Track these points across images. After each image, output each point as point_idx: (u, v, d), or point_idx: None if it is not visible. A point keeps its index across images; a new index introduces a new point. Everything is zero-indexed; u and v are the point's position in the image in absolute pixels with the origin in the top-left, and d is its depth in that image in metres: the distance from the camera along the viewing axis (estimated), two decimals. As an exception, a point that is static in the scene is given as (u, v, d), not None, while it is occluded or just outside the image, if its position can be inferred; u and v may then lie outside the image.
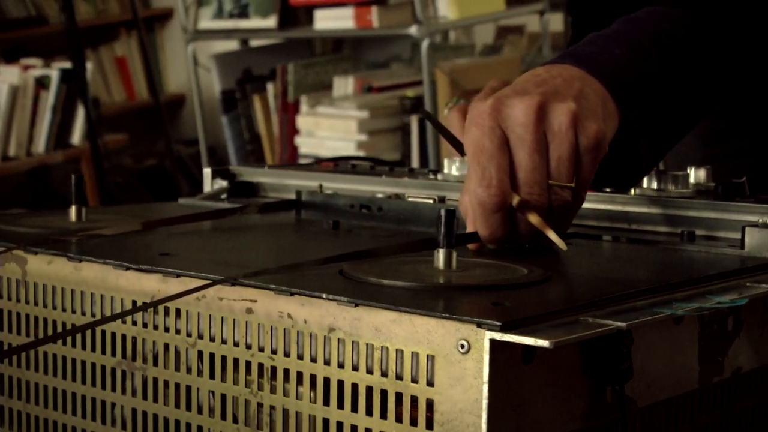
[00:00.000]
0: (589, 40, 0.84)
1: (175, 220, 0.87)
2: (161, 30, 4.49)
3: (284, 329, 0.66)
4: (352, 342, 0.63)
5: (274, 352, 0.66)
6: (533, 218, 0.74)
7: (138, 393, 0.73)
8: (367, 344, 0.62)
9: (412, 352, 0.60)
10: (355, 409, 0.63)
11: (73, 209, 0.88)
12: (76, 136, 3.71)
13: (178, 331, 0.71)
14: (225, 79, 3.52)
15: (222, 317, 0.68)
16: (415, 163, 3.03)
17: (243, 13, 3.31)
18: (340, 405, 0.63)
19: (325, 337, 0.64)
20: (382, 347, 0.62)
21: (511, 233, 0.77)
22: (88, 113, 2.92)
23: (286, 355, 0.65)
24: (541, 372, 0.59)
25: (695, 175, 0.91)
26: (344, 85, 3.27)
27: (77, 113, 3.64)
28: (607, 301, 0.63)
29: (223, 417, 0.69)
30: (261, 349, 0.67)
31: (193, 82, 3.53)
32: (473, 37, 3.79)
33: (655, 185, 0.88)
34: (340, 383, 0.63)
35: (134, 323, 0.73)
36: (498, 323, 0.56)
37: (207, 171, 1.09)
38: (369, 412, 0.62)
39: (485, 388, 0.57)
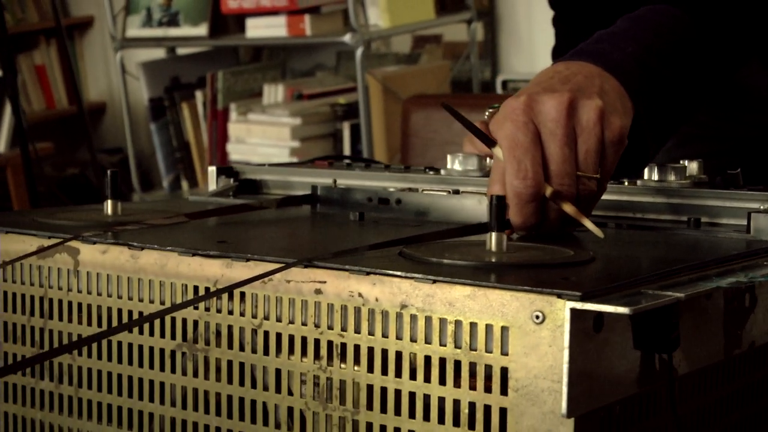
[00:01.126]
0: (599, 38, 0.91)
1: (216, 211, 0.91)
2: (80, 38, 4.47)
3: (355, 308, 0.70)
4: (425, 317, 0.68)
5: (344, 329, 0.71)
6: (568, 208, 0.80)
7: (199, 374, 0.77)
8: (440, 319, 0.67)
9: (486, 325, 0.66)
10: (427, 379, 0.68)
11: (109, 203, 0.92)
12: (1, 144, 3.68)
13: (242, 314, 0.75)
14: (153, 87, 3.53)
15: (290, 299, 0.73)
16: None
17: (173, 22, 3.33)
18: (413, 377, 0.68)
19: (397, 313, 0.69)
20: (455, 321, 0.67)
21: (542, 222, 0.83)
22: (19, 120, 2.91)
23: (357, 332, 0.70)
24: (606, 341, 0.65)
25: (689, 167, 0.97)
26: (274, 92, 3.31)
27: (2, 120, 3.61)
28: (657, 277, 0.69)
29: (290, 393, 0.73)
30: (330, 328, 0.71)
31: (121, 90, 3.53)
32: (391, 46, 3.86)
33: (656, 176, 0.95)
34: (413, 356, 0.68)
35: (195, 307, 0.77)
36: (578, 293, 0.62)
37: (212, 169, 1.13)
38: (442, 382, 0.67)
39: (566, 353, 0.62)
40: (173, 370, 0.78)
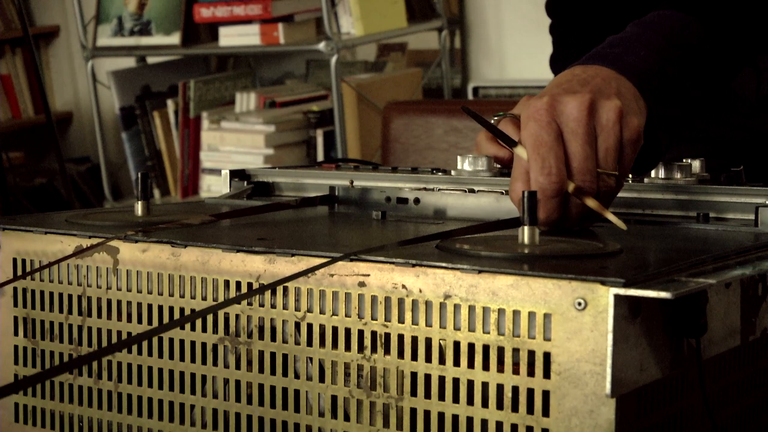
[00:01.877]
0: (611, 43, 0.95)
1: (247, 211, 0.94)
2: (46, 48, 4.47)
3: (398, 299, 0.73)
4: (469, 306, 0.71)
5: (387, 320, 0.74)
6: (591, 203, 0.84)
7: (242, 366, 0.80)
8: (483, 308, 0.71)
9: (529, 312, 0.69)
10: (471, 365, 0.71)
11: (139, 204, 0.94)
12: (-29, 155, 3.67)
13: (285, 307, 0.78)
14: (123, 96, 3.54)
15: (333, 292, 0.76)
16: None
17: (145, 31, 3.34)
18: (456, 363, 0.72)
19: (440, 303, 0.72)
20: (498, 309, 0.70)
21: (563, 217, 0.86)
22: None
23: (401, 322, 0.73)
24: (642, 326, 0.69)
25: (693, 165, 1.02)
26: (246, 100, 3.33)
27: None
28: (686, 266, 0.73)
29: (334, 382, 0.76)
30: (374, 319, 0.74)
31: (90, 99, 3.54)
32: (356, 54, 3.89)
33: (662, 174, 0.99)
34: (456, 344, 0.72)
35: (238, 302, 0.80)
36: (622, 280, 0.65)
37: (225, 172, 1.16)
38: (485, 368, 0.71)
39: (610, 337, 0.66)
40: (215, 363, 0.81)
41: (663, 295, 0.64)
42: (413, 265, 0.72)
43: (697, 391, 0.76)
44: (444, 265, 0.71)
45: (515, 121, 1.00)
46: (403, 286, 0.73)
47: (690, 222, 0.94)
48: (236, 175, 1.15)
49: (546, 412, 0.69)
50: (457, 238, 0.80)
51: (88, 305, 0.87)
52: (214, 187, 3.30)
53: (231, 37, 3.12)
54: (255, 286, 0.79)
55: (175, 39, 3.28)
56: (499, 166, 1.04)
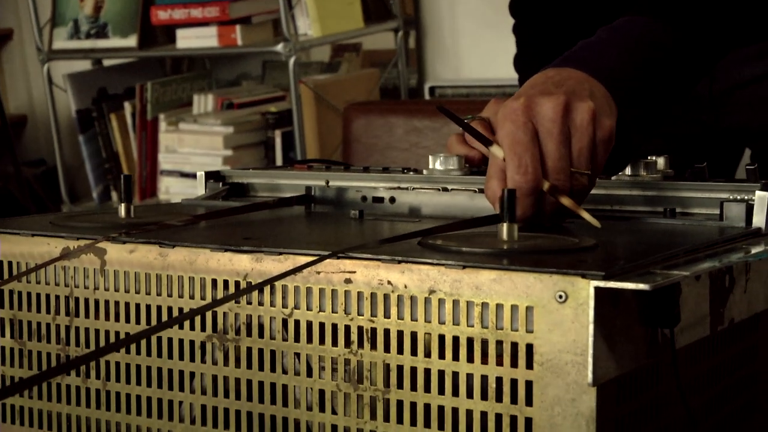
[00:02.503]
0: (583, 46, 0.98)
1: (229, 211, 0.96)
2: (-1, 51, 4.45)
3: (384, 295, 0.76)
4: (453, 301, 0.74)
5: (374, 315, 0.76)
6: (566, 201, 0.87)
7: (230, 363, 0.82)
8: (467, 302, 0.73)
9: (511, 305, 0.72)
10: (456, 357, 0.74)
11: (122, 206, 0.96)
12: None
13: (273, 304, 0.80)
14: (80, 98, 3.54)
15: (320, 289, 0.78)
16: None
17: (101, 33, 3.34)
18: (441, 356, 0.74)
19: (425, 298, 0.75)
20: (482, 303, 0.73)
21: (538, 214, 0.89)
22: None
23: (387, 317, 0.76)
24: (620, 317, 0.72)
25: (658, 162, 1.05)
26: (204, 102, 3.34)
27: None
28: (660, 259, 0.76)
29: (321, 376, 0.79)
30: (360, 314, 0.77)
31: (46, 102, 3.53)
32: (311, 56, 3.91)
33: (629, 171, 1.02)
34: (441, 338, 0.74)
35: (232, 300, 0.81)
36: (602, 273, 0.68)
37: (201, 174, 1.18)
38: (470, 360, 0.74)
39: (591, 327, 0.69)
40: (203, 361, 0.83)
41: (641, 286, 0.67)
42: (399, 262, 0.75)
43: (671, 379, 0.79)
44: (429, 261, 0.74)
45: (484, 123, 1.03)
46: (389, 282, 0.76)
47: (657, 217, 0.98)
48: (211, 176, 1.17)
49: (529, 402, 0.72)
50: (438, 235, 0.82)
51: (76, 306, 0.88)
52: (173, 188, 3.31)
53: (188, 39, 3.13)
54: (243, 284, 0.81)
55: (132, 41, 3.28)
56: (468, 165, 1.07)
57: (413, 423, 0.75)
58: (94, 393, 0.88)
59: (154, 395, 0.86)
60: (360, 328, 0.77)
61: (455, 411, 0.74)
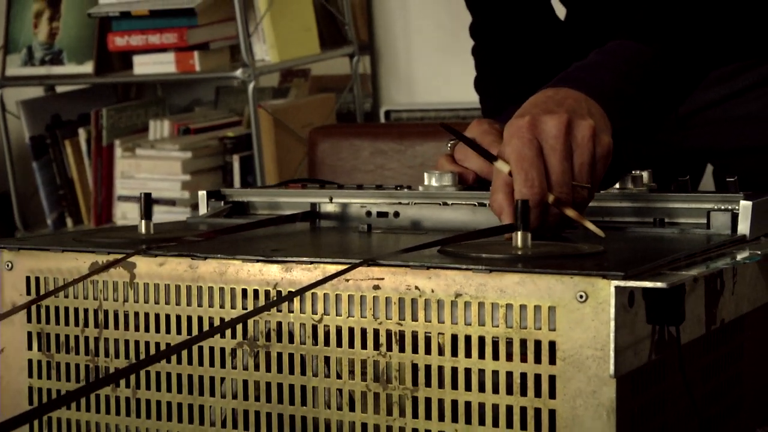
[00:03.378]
0: (577, 68, 1.05)
1: (247, 226, 1.01)
2: (-54, 79, 4.43)
3: (412, 299, 0.81)
4: (478, 303, 0.79)
5: (402, 319, 0.82)
6: (570, 212, 0.94)
7: (261, 368, 0.87)
8: (492, 304, 0.79)
9: (534, 306, 0.78)
10: (482, 356, 0.79)
11: (143, 223, 1.00)
12: None
13: (302, 311, 0.85)
14: (33, 125, 3.55)
15: (349, 295, 0.83)
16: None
17: (56, 60, 3.36)
18: (468, 355, 0.80)
19: (452, 302, 0.80)
20: (506, 304, 0.79)
21: (542, 225, 0.95)
22: None
23: (414, 320, 0.81)
24: (635, 315, 0.78)
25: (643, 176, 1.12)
26: (160, 128, 3.37)
27: None
28: (667, 263, 0.82)
29: (351, 378, 0.84)
30: (389, 319, 0.82)
31: (1, 129, 3.54)
32: (260, 81, 3.96)
33: (617, 184, 1.09)
34: (467, 338, 0.80)
35: (268, 310, 0.86)
36: (621, 273, 0.74)
37: (202, 193, 1.22)
38: (495, 358, 0.79)
39: (612, 324, 0.75)
40: (234, 366, 0.88)
41: (659, 285, 0.74)
42: (428, 268, 0.80)
43: (675, 374, 0.85)
44: (457, 266, 0.79)
45: (470, 142, 1.10)
46: (416, 287, 0.81)
47: (647, 227, 1.04)
48: (212, 195, 1.22)
49: (553, 395, 0.77)
50: (457, 243, 0.88)
51: (105, 318, 0.92)
52: (130, 214, 3.33)
53: (146, 65, 3.16)
54: (272, 293, 0.86)
55: (88, 68, 3.31)
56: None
57: (441, 419, 0.81)
58: (124, 401, 0.92)
59: (185, 401, 0.90)
60: (389, 332, 0.82)
61: (482, 406, 0.79)
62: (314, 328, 0.85)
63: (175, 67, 3.11)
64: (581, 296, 0.76)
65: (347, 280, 0.83)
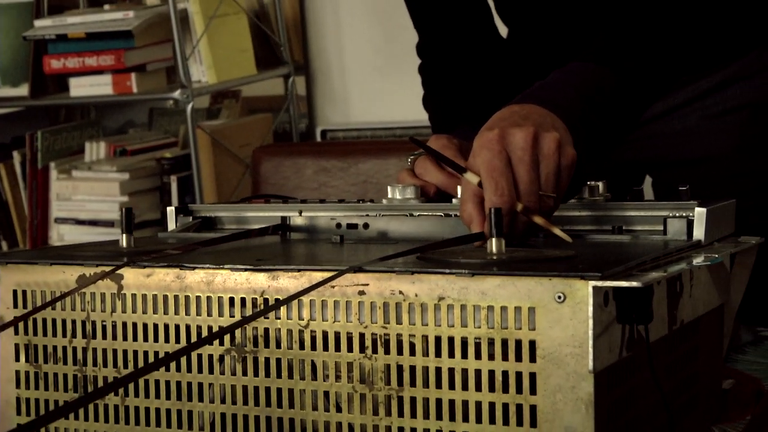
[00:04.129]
0: (540, 86, 1.10)
1: (225, 239, 1.04)
2: None
3: (396, 303, 0.85)
4: (461, 306, 0.84)
5: (387, 322, 0.86)
6: (539, 220, 0.99)
7: (248, 372, 0.90)
8: (474, 306, 0.83)
9: (515, 307, 0.82)
10: (465, 356, 0.84)
11: (124, 237, 1.03)
12: None
13: (289, 317, 0.89)
14: (-34, 149, 3.53)
15: (335, 301, 0.87)
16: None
17: (-9, 83, 3.35)
18: (451, 356, 0.84)
19: (435, 305, 0.84)
20: (488, 306, 0.83)
21: (511, 232, 1.00)
22: None
23: (399, 323, 0.85)
24: (609, 314, 0.83)
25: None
26: (96, 149, 3.38)
27: None
28: (635, 265, 0.87)
29: (338, 380, 0.88)
30: (374, 322, 0.86)
31: (-66, 152, 3.51)
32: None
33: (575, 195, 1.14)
34: (450, 339, 0.84)
35: (259, 317, 0.89)
36: (599, 274, 0.79)
37: (171, 209, 1.25)
38: (477, 357, 0.83)
39: (590, 322, 0.79)
40: (221, 372, 0.91)
41: (634, 284, 0.79)
42: (413, 272, 0.84)
43: (643, 371, 0.90)
44: (440, 270, 0.84)
45: (429, 157, 1.15)
46: (400, 292, 0.85)
47: (606, 234, 1.09)
48: (180, 211, 1.25)
49: (533, 391, 0.82)
50: (435, 251, 0.92)
51: (93, 329, 0.95)
52: (68, 236, 3.32)
53: (82, 88, 3.17)
54: (260, 301, 0.89)
55: (23, 90, 3.30)
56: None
57: (426, 417, 0.85)
58: (113, 409, 0.95)
59: (173, 407, 0.93)
60: (374, 335, 0.86)
61: (465, 403, 0.84)
62: (301, 333, 0.88)
63: (112, 89, 3.13)
64: (559, 297, 0.81)
65: (333, 287, 0.87)
